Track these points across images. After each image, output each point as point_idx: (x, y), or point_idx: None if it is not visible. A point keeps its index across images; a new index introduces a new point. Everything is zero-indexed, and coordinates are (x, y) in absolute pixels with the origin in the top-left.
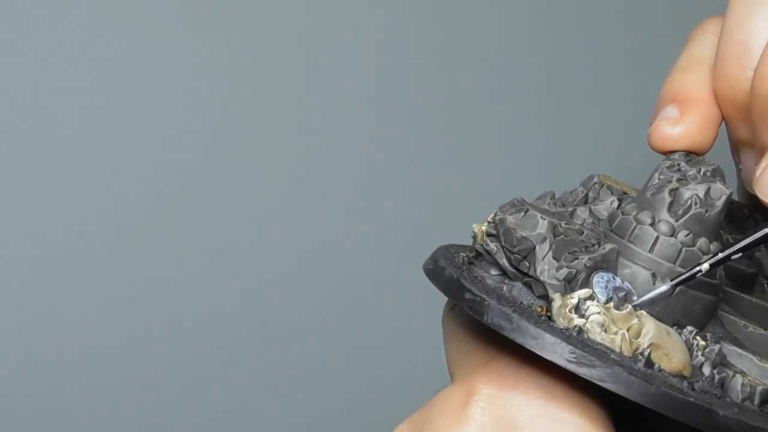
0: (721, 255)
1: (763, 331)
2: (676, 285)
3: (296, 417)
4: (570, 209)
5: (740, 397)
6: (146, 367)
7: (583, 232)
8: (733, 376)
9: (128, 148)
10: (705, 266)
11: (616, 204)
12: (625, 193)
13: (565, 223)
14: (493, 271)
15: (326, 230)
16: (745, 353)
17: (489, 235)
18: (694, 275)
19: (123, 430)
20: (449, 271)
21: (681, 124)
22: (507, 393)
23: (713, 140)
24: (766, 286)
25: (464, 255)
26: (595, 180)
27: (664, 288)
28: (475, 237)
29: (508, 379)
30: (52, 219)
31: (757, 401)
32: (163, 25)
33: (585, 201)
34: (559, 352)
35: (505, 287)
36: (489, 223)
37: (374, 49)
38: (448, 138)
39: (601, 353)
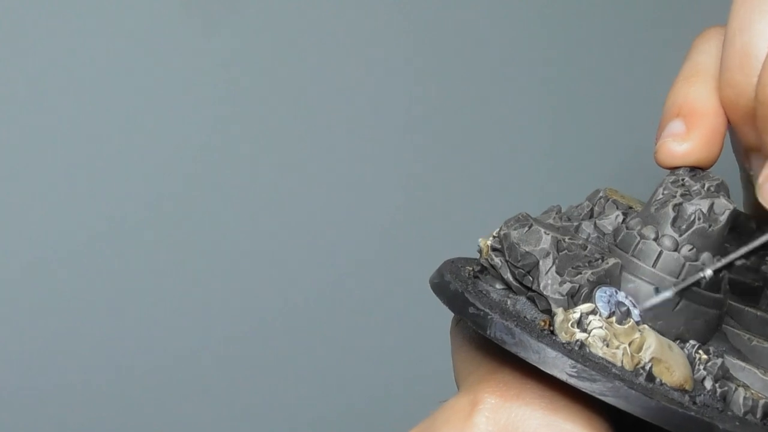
0: (724, 261)
1: (766, 345)
2: (679, 292)
3: (295, 418)
4: (575, 224)
5: (742, 411)
6: (144, 367)
7: (587, 246)
8: (736, 389)
9: (128, 149)
10: (708, 272)
11: (621, 219)
12: (630, 208)
13: (569, 238)
14: (498, 285)
15: (327, 232)
16: (748, 367)
17: (494, 249)
18: (698, 282)
19: (120, 428)
20: (454, 286)
21: (688, 141)
22: (511, 403)
23: (719, 153)
24: None
25: (470, 269)
26: (601, 194)
27: (667, 294)
28: (480, 251)
29: (512, 390)
30: (53, 219)
31: (759, 414)
32: (162, 27)
33: (590, 215)
34: (560, 367)
35: (509, 301)
36: (494, 237)
37: (376, 54)
38: (452, 141)
39: (602, 367)
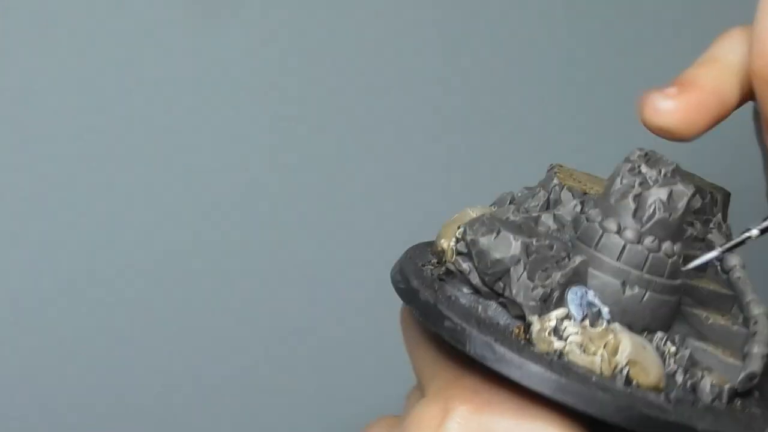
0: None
1: (722, 322)
2: (727, 250)
3: (292, 418)
4: (534, 215)
5: (710, 398)
6: (138, 367)
7: (553, 246)
8: (702, 377)
9: (128, 149)
10: (755, 232)
11: (579, 208)
12: (585, 193)
13: (536, 240)
14: (466, 289)
15: (325, 230)
16: (709, 349)
17: (459, 253)
18: (743, 241)
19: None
20: (424, 295)
21: (675, 100)
22: (483, 409)
23: (702, 129)
24: (718, 267)
25: (431, 267)
26: (555, 182)
27: (714, 253)
28: (442, 252)
29: (483, 395)
30: (50, 217)
31: (725, 399)
32: (163, 26)
33: (547, 206)
34: (545, 383)
35: (480, 307)
36: (458, 240)
37: (376, 50)
38: (442, 134)
39: (583, 378)
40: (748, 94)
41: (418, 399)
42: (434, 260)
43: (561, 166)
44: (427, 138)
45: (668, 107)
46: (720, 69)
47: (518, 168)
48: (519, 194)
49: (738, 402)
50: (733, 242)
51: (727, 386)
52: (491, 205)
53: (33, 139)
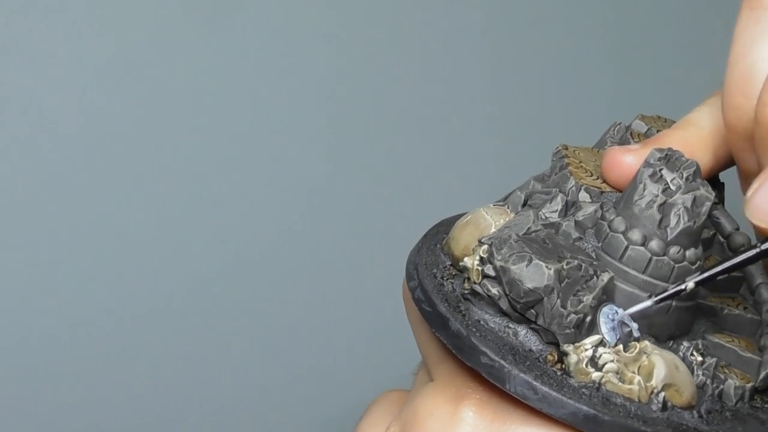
0: (706, 274)
1: (736, 311)
2: (659, 301)
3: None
4: (553, 220)
5: (734, 400)
6: (140, 366)
7: (581, 266)
8: (725, 380)
9: (126, 147)
10: (690, 285)
11: (599, 214)
12: (602, 192)
13: (566, 264)
14: (492, 310)
15: (323, 228)
16: (727, 343)
17: (486, 276)
18: (678, 293)
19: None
20: (455, 325)
21: (635, 154)
22: (497, 395)
23: None
24: (725, 245)
25: (450, 279)
26: (572, 184)
27: (647, 303)
28: (465, 268)
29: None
30: (51, 218)
31: (747, 398)
32: (162, 24)
33: (565, 210)
34: (588, 423)
35: (510, 332)
36: (482, 259)
37: (381, 50)
38: (425, 128)
39: (624, 412)
40: (728, 158)
41: (425, 380)
42: (448, 263)
43: (567, 149)
44: (427, 134)
45: (627, 161)
46: (692, 132)
47: (522, 158)
48: (530, 188)
49: (758, 398)
50: (735, 260)
51: (748, 386)
52: (503, 205)
53: (33, 140)
